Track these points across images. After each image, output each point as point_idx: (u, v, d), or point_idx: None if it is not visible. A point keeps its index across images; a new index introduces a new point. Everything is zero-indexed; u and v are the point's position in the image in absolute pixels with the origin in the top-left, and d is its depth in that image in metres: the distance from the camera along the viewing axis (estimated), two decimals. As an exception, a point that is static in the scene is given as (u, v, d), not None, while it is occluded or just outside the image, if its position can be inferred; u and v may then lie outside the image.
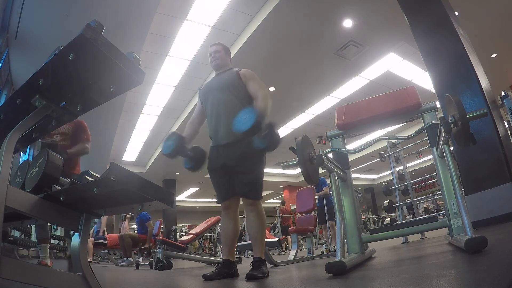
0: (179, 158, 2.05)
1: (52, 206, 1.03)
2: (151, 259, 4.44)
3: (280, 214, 8.80)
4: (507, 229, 2.34)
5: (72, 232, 1.10)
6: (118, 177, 0.93)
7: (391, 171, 4.74)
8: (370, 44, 6.03)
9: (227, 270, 2.00)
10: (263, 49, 5.68)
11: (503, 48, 6.64)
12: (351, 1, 4.92)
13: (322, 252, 4.75)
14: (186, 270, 3.62)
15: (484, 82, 3.29)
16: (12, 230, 4.80)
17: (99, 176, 1.08)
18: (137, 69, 0.99)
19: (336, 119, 2.30)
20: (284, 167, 1.99)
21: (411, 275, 1.28)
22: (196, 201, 17.94)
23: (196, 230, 4.85)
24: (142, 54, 5.41)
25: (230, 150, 2.04)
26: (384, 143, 6.23)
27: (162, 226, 8.06)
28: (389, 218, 5.77)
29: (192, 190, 15.66)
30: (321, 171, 1.86)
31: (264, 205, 2.16)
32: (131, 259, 5.37)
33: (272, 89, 7.05)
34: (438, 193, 4.57)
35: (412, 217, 4.90)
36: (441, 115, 1.86)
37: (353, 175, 2.52)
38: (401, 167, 4.85)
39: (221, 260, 2.15)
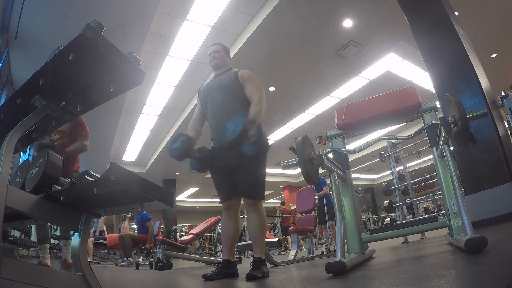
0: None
1: (52, 206, 1.03)
2: (151, 259, 4.44)
3: (280, 214, 8.80)
4: (507, 229, 2.34)
5: (72, 232, 1.10)
6: (118, 177, 0.92)
7: (391, 171, 4.75)
8: (370, 44, 6.03)
9: (227, 270, 2.00)
10: (263, 49, 5.68)
11: (503, 48, 6.64)
12: (351, 1, 4.92)
13: (322, 252, 4.75)
14: (186, 270, 3.62)
15: (484, 82, 3.29)
16: (12, 230, 4.79)
17: (99, 176, 1.08)
18: (137, 69, 0.99)
19: (336, 119, 2.30)
20: (284, 167, 1.99)
21: (411, 275, 1.28)
22: (196, 201, 17.95)
23: (196, 230, 4.85)
24: (142, 54, 5.41)
25: (231, 151, 2.04)
26: (384, 143, 6.23)
27: (162, 226, 8.07)
28: (389, 218, 5.76)
29: (192, 190, 15.67)
30: (321, 171, 1.86)
31: (264, 205, 2.16)
32: (131, 259, 5.37)
33: (272, 89, 7.05)
34: (438, 193, 4.57)
35: (412, 217, 4.90)
36: (441, 115, 1.86)
37: (353, 175, 2.52)
38: (401, 167, 4.85)
39: (221, 260, 2.15)
